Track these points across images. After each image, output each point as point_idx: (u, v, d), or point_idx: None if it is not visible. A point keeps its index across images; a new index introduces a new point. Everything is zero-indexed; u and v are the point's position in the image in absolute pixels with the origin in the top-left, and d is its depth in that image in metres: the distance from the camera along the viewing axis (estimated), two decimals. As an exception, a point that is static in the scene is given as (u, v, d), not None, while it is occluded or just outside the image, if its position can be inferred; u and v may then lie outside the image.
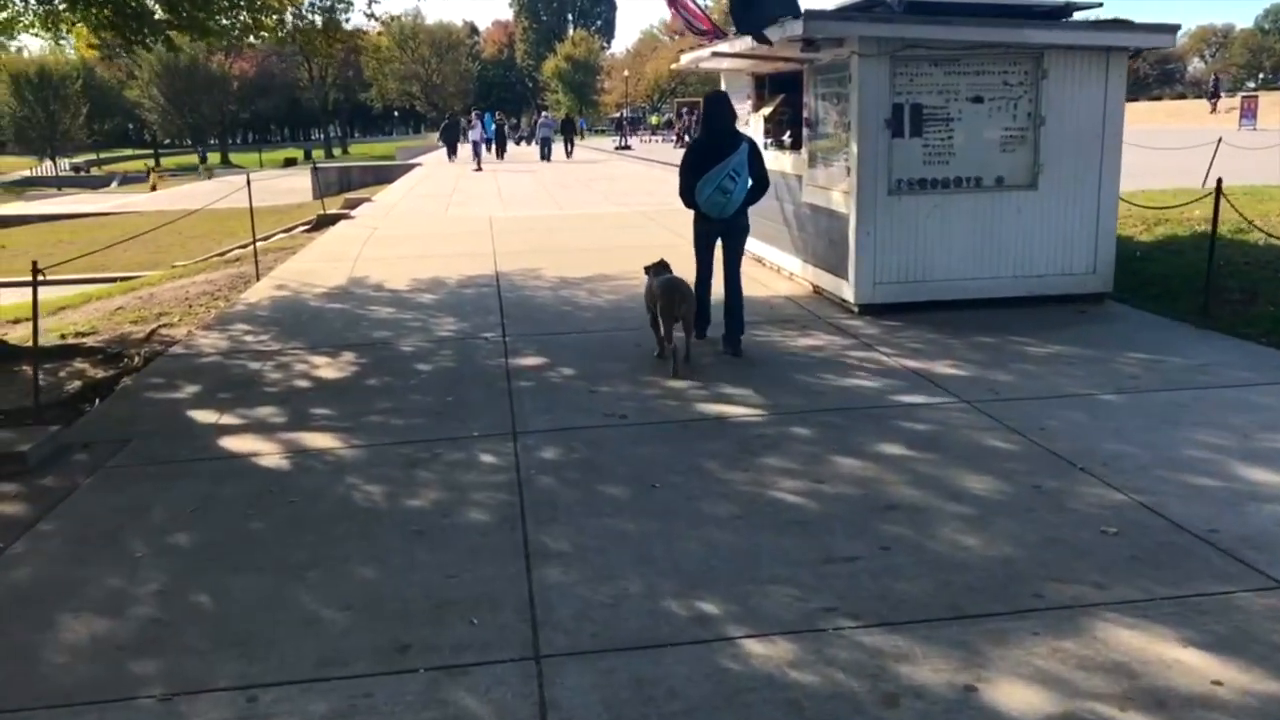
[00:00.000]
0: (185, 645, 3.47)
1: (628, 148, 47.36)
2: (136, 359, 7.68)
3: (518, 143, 55.06)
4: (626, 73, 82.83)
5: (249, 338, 8.29)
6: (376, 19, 13.45)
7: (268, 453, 5.43)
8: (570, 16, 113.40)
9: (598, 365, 6.92)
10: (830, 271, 8.63)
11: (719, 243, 7.21)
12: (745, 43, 8.72)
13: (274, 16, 10.71)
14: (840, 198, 8.24)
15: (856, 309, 8.17)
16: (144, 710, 3.13)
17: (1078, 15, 8.32)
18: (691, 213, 7.18)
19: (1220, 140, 17.78)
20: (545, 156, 37.54)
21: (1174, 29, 7.96)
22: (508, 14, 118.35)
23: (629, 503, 4.57)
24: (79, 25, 9.77)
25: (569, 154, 40.15)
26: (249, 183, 12.56)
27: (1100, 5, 8.24)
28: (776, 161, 9.69)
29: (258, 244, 13.03)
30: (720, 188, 6.78)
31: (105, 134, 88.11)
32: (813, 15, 7.73)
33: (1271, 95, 45.82)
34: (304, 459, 5.32)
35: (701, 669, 3.22)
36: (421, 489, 4.82)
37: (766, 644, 3.35)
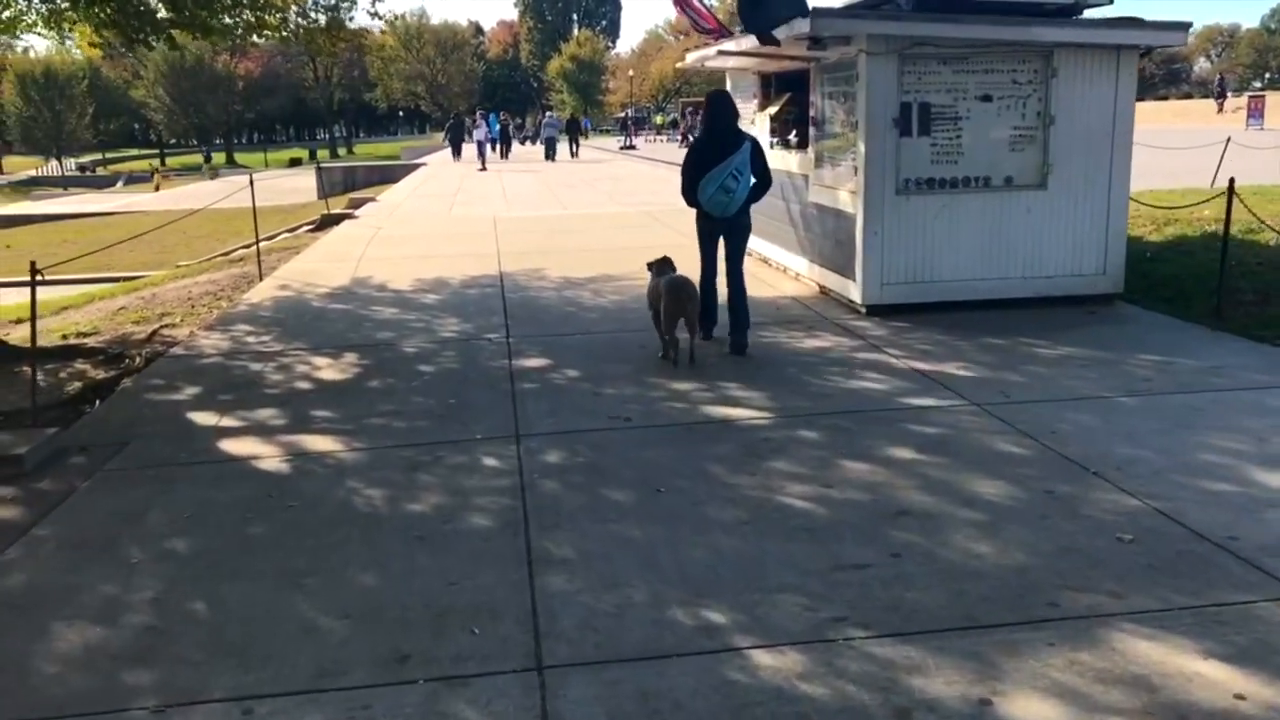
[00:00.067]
0: (180, 655, 3.40)
1: (632, 147, 47.29)
2: (137, 360, 7.61)
3: (522, 142, 54.99)
4: (631, 72, 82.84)
5: (251, 338, 8.22)
6: (380, 18, 13.37)
7: (268, 456, 5.35)
8: (575, 16, 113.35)
9: (602, 367, 6.84)
10: (837, 272, 8.54)
11: (721, 241, 7.18)
12: (751, 41, 8.64)
13: (277, 15, 10.63)
14: (847, 197, 8.16)
15: (863, 310, 8.08)
16: (137, 722, 3.06)
17: (1088, 13, 8.22)
18: (694, 211, 7.15)
19: (1229, 140, 17.65)
20: (550, 156, 37.49)
21: (1186, 26, 7.87)
22: (513, 14, 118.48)
23: (634, 508, 4.49)
24: (80, 24, 9.71)
25: (574, 154, 40.09)
26: (251, 182, 12.50)
27: (1110, 3, 8.15)
28: (783, 161, 9.61)
29: (261, 244, 12.97)
30: (723, 186, 6.75)
31: (111, 134, 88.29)
32: (820, 13, 7.66)
33: (1279, 95, 45.59)
34: (304, 462, 5.25)
35: (708, 681, 3.14)
36: (423, 493, 4.74)
37: (775, 655, 3.27)
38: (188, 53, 64.40)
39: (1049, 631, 3.36)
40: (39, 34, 10.74)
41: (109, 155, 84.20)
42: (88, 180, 63.78)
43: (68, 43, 13.32)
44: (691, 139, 38.35)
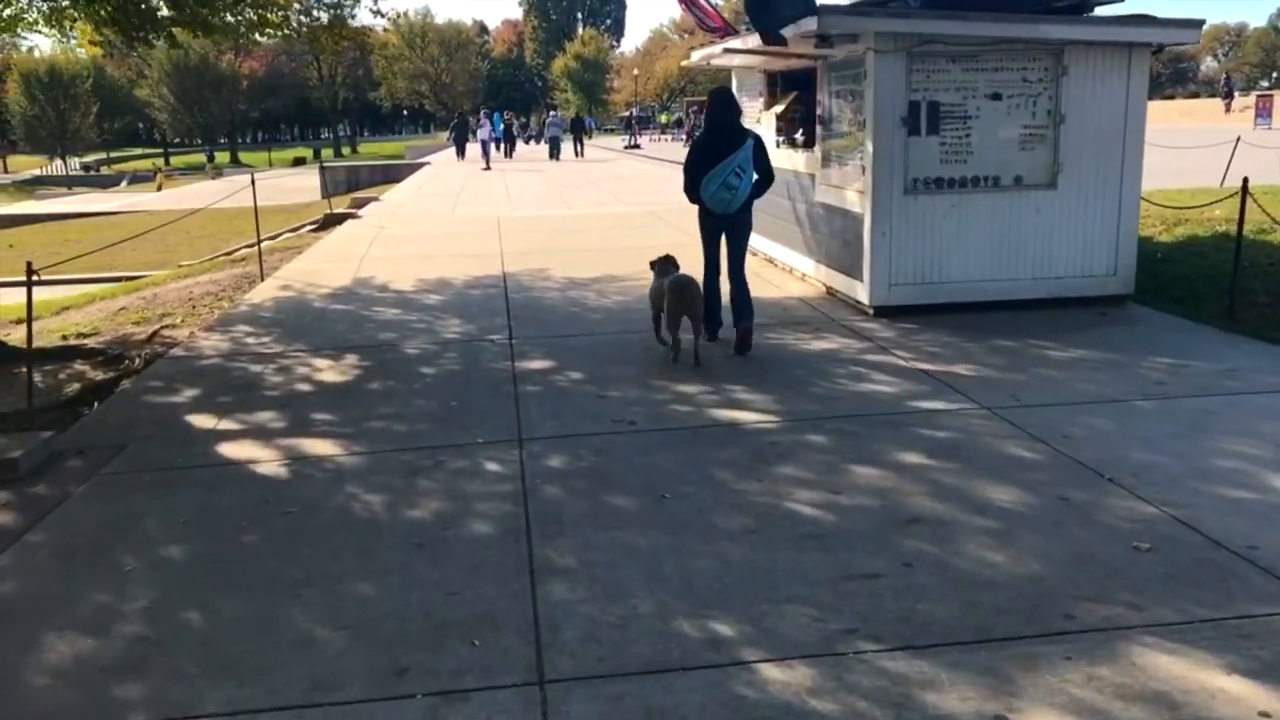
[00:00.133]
0: (172, 668, 3.31)
1: (637, 147, 47.18)
2: (137, 361, 7.53)
3: (527, 142, 54.92)
4: (636, 71, 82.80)
5: (251, 339, 8.14)
6: (383, 15, 13.31)
7: (266, 460, 5.27)
8: (580, 15, 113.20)
9: (606, 369, 6.75)
10: (844, 272, 8.44)
11: (724, 238, 7.18)
12: (757, 39, 8.52)
13: (279, 13, 10.55)
14: (855, 197, 8.06)
15: (871, 311, 7.98)
16: (127, 738, 2.97)
17: (1099, 10, 8.11)
18: (697, 210, 7.14)
19: (1239, 139, 17.52)
20: (554, 155, 37.41)
21: (1199, 24, 7.75)
22: (517, 13, 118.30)
23: (638, 515, 4.40)
24: (81, 22, 9.64)
25: (579, 154, 40.00)
26: (253, 182, 12.43)
27: (1121, 0, 8.05)
28: (789, 160, 9.51)
29: (264, 243, 12.90)
30: (725, 184, 6.76)
31: (115, 133, 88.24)
32: (828, 10, 7.55)
33: (1286, 94, 45.36)
34: (303, 466, 5.16)
35: (716, 696, 3.04)
36: (423, 499, 4.65)
37: (784, 669, 3.17)
38: (192, 52, 64.42)
39: (1066, 645, 3.26)
40: (40, 32, 10.65)
41: (113, 155, 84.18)
42: (91, 180, 63.77)
43: (71, 41, 13.25)
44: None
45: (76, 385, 6.91)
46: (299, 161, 64.25)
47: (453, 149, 41.78)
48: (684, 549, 4.03)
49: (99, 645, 3.47)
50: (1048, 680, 3.07)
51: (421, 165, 38.14)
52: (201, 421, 5.98)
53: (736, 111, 7.09)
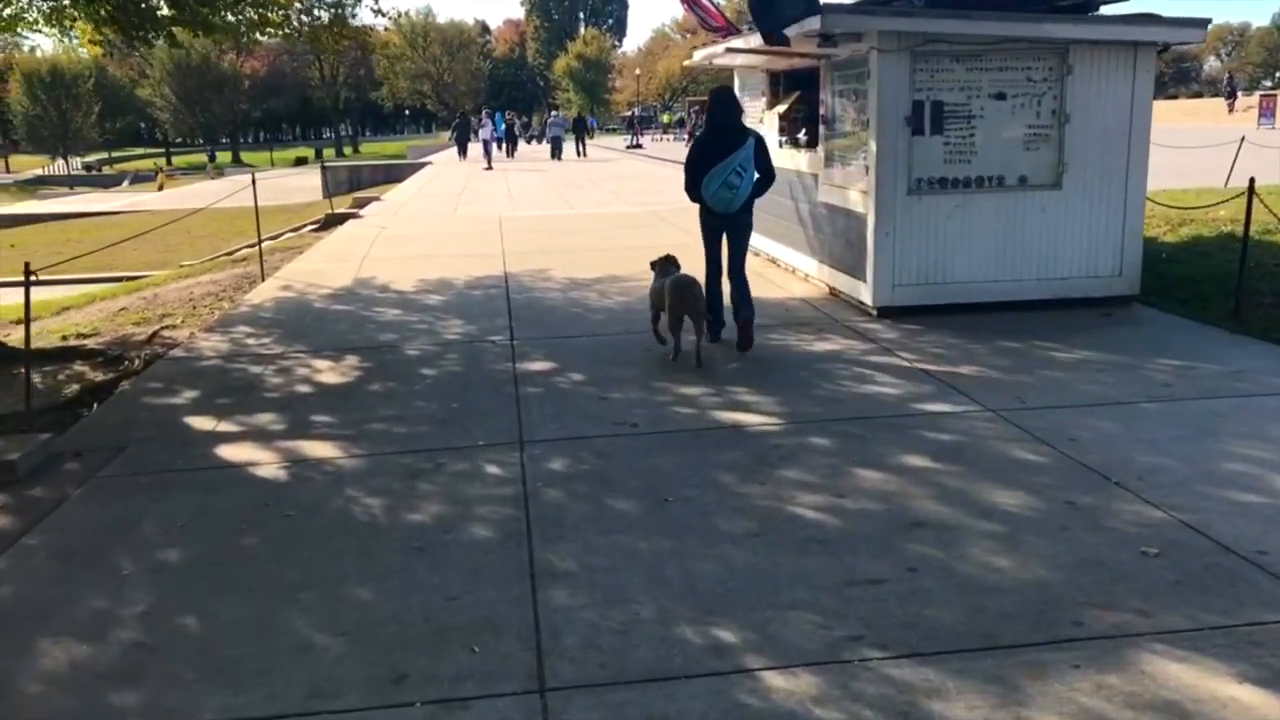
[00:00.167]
0: (169, 674, 3.27)
1: (639, 146, 47.16)
2: (136, 362, 7.50)
3: (529, 141, 54.89)
4: (638, 71, 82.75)
5: (251, 340, 8.10)
6: (384, 15, 13.26)
7: (265, 462, 5.23)
8: (582, 15, 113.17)
9: (608, 370, 6.71)
10: (847, 273, 8.39)
11: (724, 237, 7.17)
12: (760, 39, 8.48)
13: (280, 13, 10.51)
14: (858, 197, 8.01)
15: (874, 312, 7.93)
16: (122, 746, 2.93)
17: (1104, 9, 8.06)
18: (698, 209, 7.13)
19: (1243, 139, 17.45)
20: (556, 155, 37.37)
21: (1205, 23, 7.69)
22: (519, 12, 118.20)
23: (640, 518, 4.35)
24: (81, 21, 9.60)
25: (581, 153, 39.95)
26: (254, 181, 12.39)
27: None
28: (792, 160, 9.47)
29: (265, 243, 12.86)
30: (726, 183, 6.75)
31: (117, 133, 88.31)
32: (831, 9, 7.52)
33: (1290, 93, 45.23)
34: (302, 469, 5.12)
35: (718, 704, 3.00)
36: (423, 502, 4.61)
37: (788, 676, 3.13)
38: (193, 51, 64.45)
39: (1074, 652, 3.22)
40: (41, 31, 10.62)
41: (115, 154, 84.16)
42: (93, 179, 63.80)
43: (71, 40, 13.22)
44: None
45: (75, 386, 6.87)
46: (301, 161, 64.24)
47: (454, 149, 41.75)
48: (686, 553, 3.98)
49: (95, 650, 3.43)
50: (1056, 689, 3.02)
51: (423, 165, 38.11)
52: (201, 423, 5.94)
53: (738, 111, 7.08)
